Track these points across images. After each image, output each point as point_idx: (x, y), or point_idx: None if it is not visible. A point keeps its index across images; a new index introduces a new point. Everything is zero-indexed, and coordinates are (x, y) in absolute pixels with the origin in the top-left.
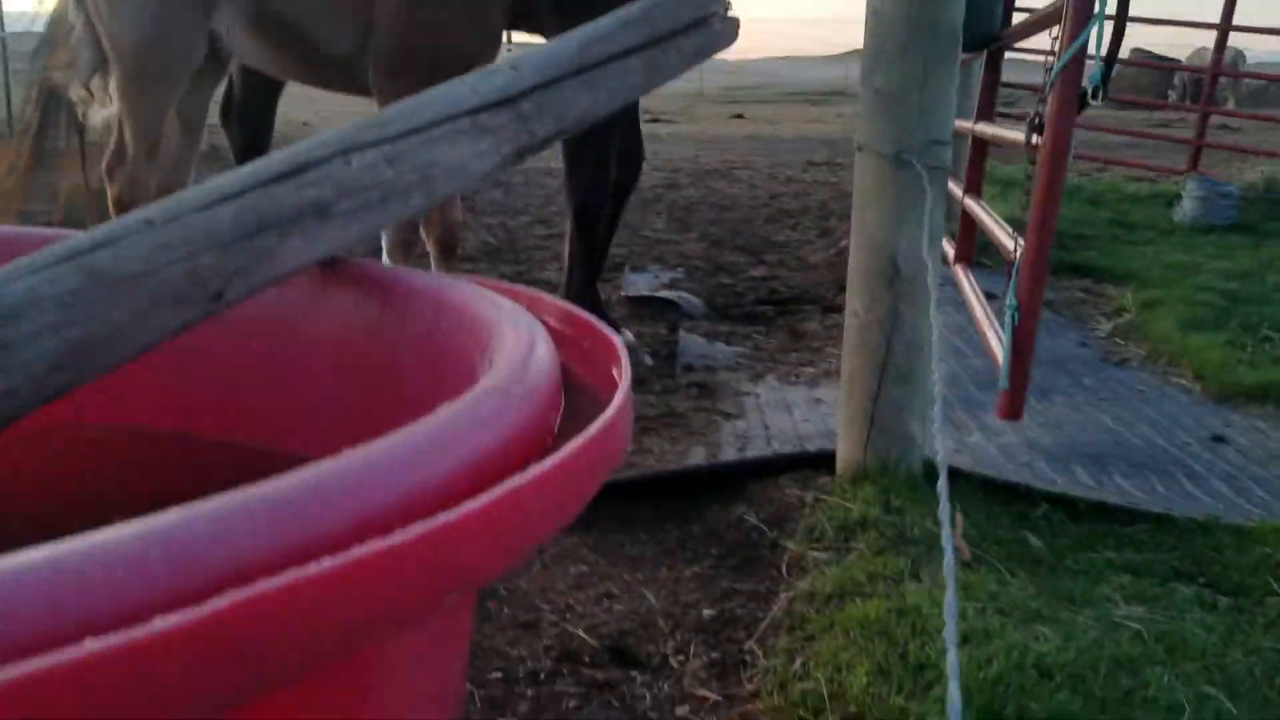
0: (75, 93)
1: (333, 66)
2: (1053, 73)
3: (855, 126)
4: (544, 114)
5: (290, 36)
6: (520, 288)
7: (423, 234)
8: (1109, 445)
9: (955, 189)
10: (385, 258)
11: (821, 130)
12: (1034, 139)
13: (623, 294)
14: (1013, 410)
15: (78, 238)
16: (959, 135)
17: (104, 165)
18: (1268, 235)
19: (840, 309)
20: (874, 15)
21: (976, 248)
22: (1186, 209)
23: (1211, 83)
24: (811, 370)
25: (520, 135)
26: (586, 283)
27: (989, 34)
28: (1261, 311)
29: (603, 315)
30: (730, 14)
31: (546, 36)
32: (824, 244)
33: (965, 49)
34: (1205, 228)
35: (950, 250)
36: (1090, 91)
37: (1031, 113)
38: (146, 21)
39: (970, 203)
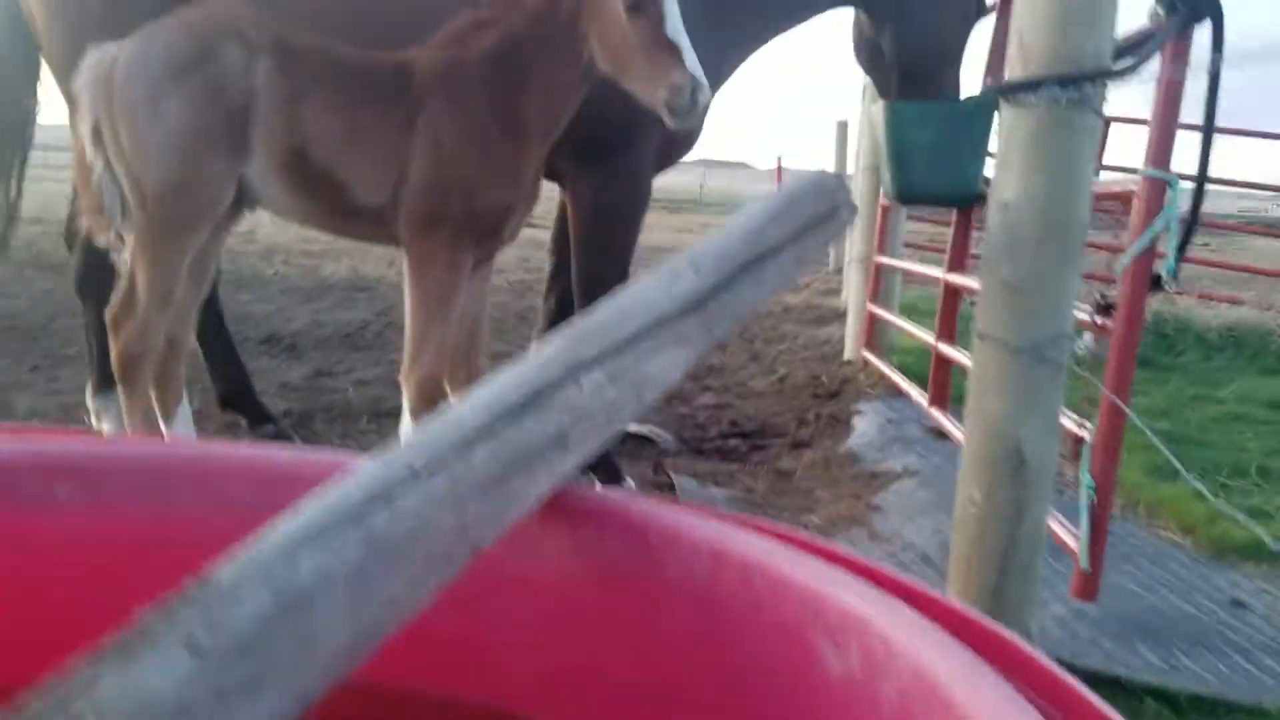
0: (106, 239)
1: (365, 218)
2: (1123, 261)
3: (978, 317)
4: (723, 315)
5: (324, 186)
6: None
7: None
8: (1147, 614)
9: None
10: (405, 419)
11: (693, 241)
12: (1099, 320)
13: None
14: (1090, 591)
15: (346, 486)
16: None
17: (109, 315)
18: (1166, 369)
19: (804, 444)
20: (1003, 208)
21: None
22: (1087, 342)
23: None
24: (815, 520)
25: (704, 340)
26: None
27: (972, 195)
28: (1205, 455)
29: (611, 459)
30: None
31: (563, 186)
32: (758, 369)
33: (947, 205)
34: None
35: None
36: (1163, 277)
37: (1097, 295)
38: (173, 165)
39: None
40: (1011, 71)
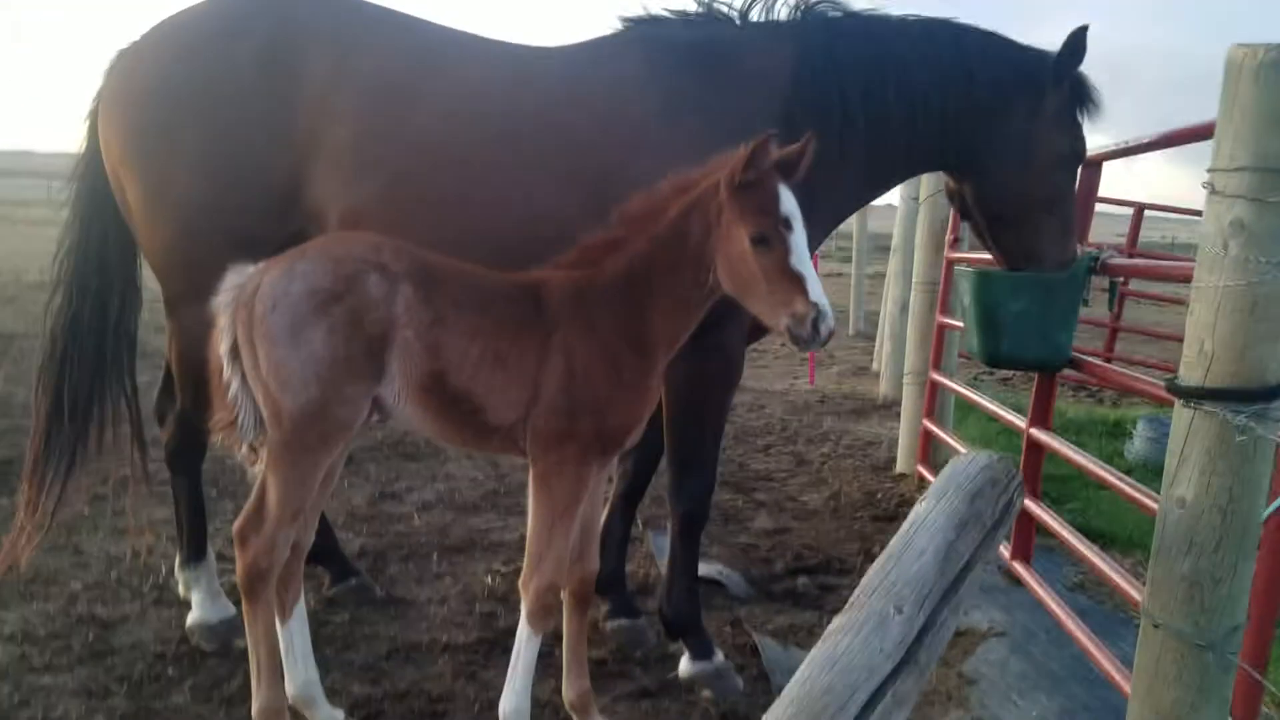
0: (243, 454)
1: (496, 435)
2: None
3: (1150, 603)
4: (931, 657)
5: (460, 409)
6: None
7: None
8: None
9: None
10: (523, 625)
11: None
12: None
13: (661, 571)
14: None
15: None
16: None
17: (236, 529)
18: None
19: None
20: (1181, 503)
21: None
22: (1138, 448)
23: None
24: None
25: (917, 689)
26: (689, 593)
27: (1061, 361)
28: None
29: (703, 630)
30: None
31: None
32: (807, 478)
33: (1036, 370)
34: (1156, 468)
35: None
36: None
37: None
38: (313, 392)
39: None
40: (1190, 372)
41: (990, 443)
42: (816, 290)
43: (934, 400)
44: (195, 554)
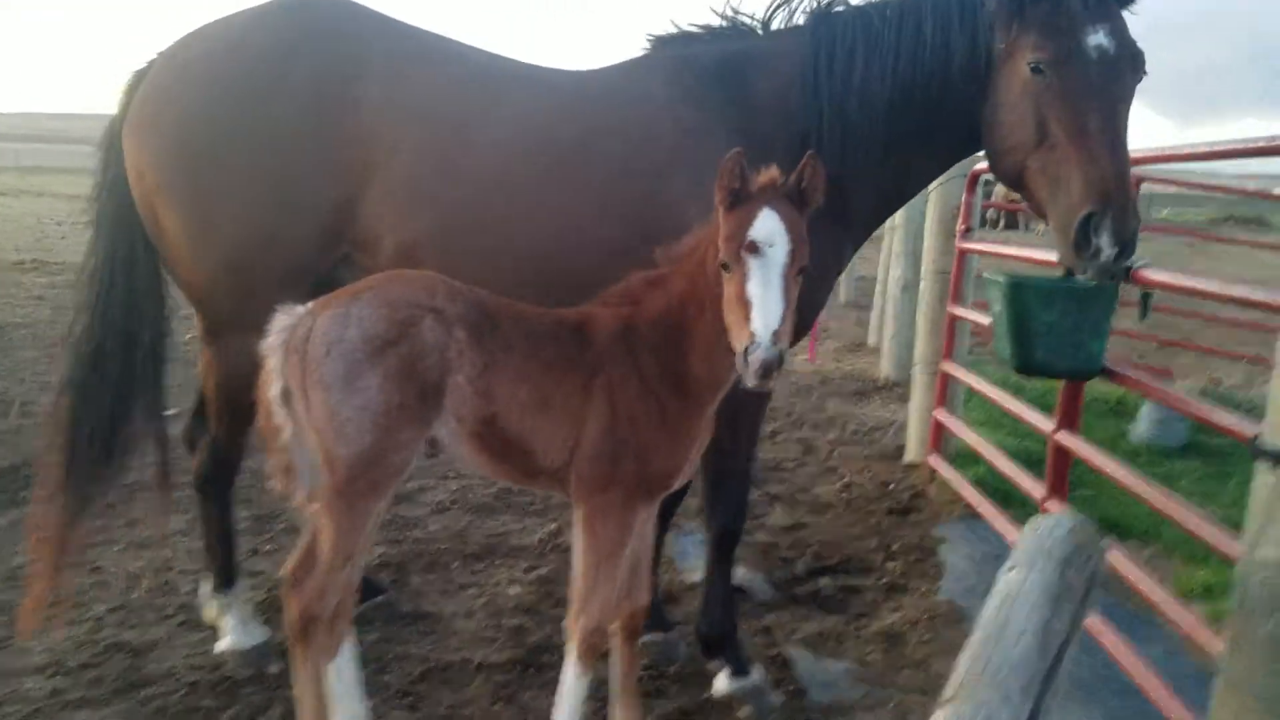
0: (300, 501)
1: (544, 476)
2: None
3: (1230, 663)
4: None
5: (510, 451)
6: None
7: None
8: None
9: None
10: (570, 664)
11: None
12: None
13: (683, 579)
14: None
15: None
16: None
17: (288, 573)
18: (1219, 457)
19: (899, 586)
20: (1265, 566)
21: None
22: (1142, 430)
23: None
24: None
25: None
26: (725, 609)
27: (1093, 371)
28: None
29: (740, 646)
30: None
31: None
32: (817, 467)
33: (1067, 379)
34: (1162, 450)
35: None
36: None
37: None
38: (367, 439)
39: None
40: (1275, 435)
41: (997, 426)
42: (760, 316)
43: (945, 390)
44: (226, 581)
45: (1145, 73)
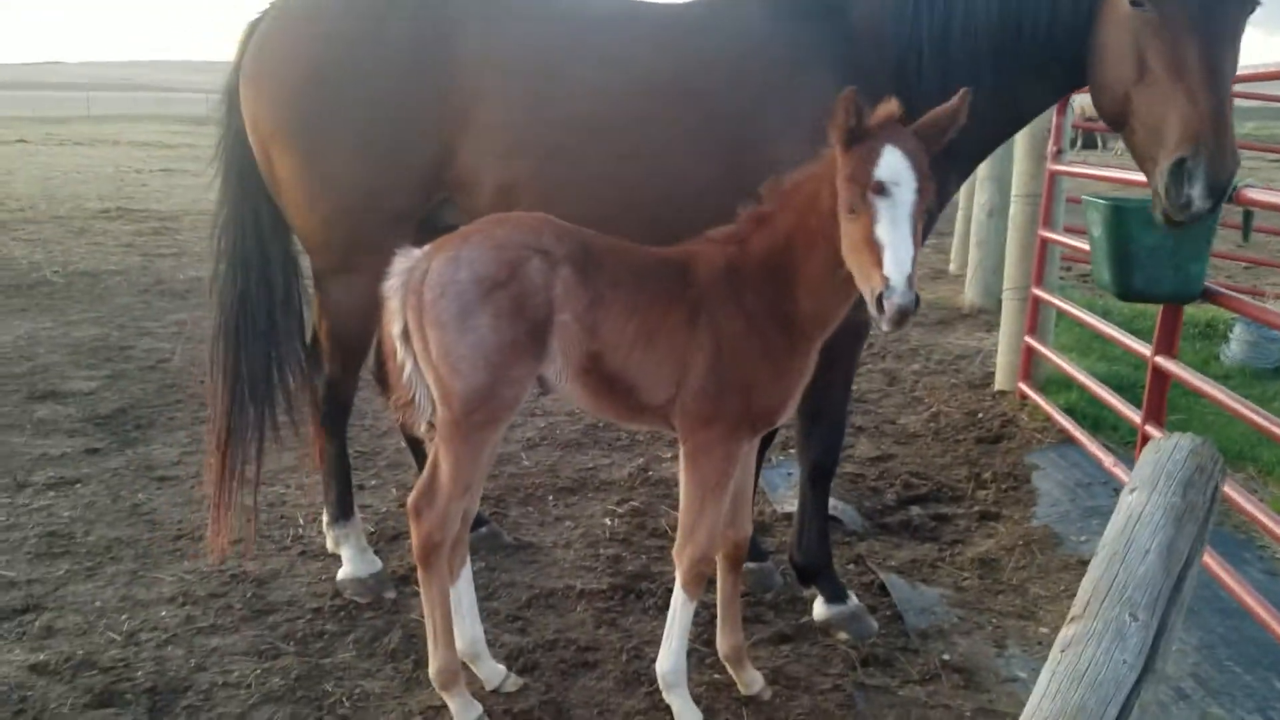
0: (422, 432)
1: (650, 413)
2: None
3: None
4: (1165, 663)
5: (617, 388)
6: None
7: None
8: None
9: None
10: (678, 592)
11: None
12: None
13: (776, 509)
14: None
15: None
16: None
17: (411, 503)
18: None
19: (991, 515)
20: None
21: None
22: (1234, 351)
23: None
24: (1045, 632)
25: (1155, 698)
26: (820, 538)
27: (1193, 294)
28: None
29: (834, 575)
30: None
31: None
32: (902, 398)
33: (1169, 303)
34: (1255, 372)
35: None
36: None
37: None
38: (481, 375)
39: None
40: None
41: (1086, 351)
42: (893, 262)
43: (1036, 316)
44: (343, 512)
45: (1259, 2)
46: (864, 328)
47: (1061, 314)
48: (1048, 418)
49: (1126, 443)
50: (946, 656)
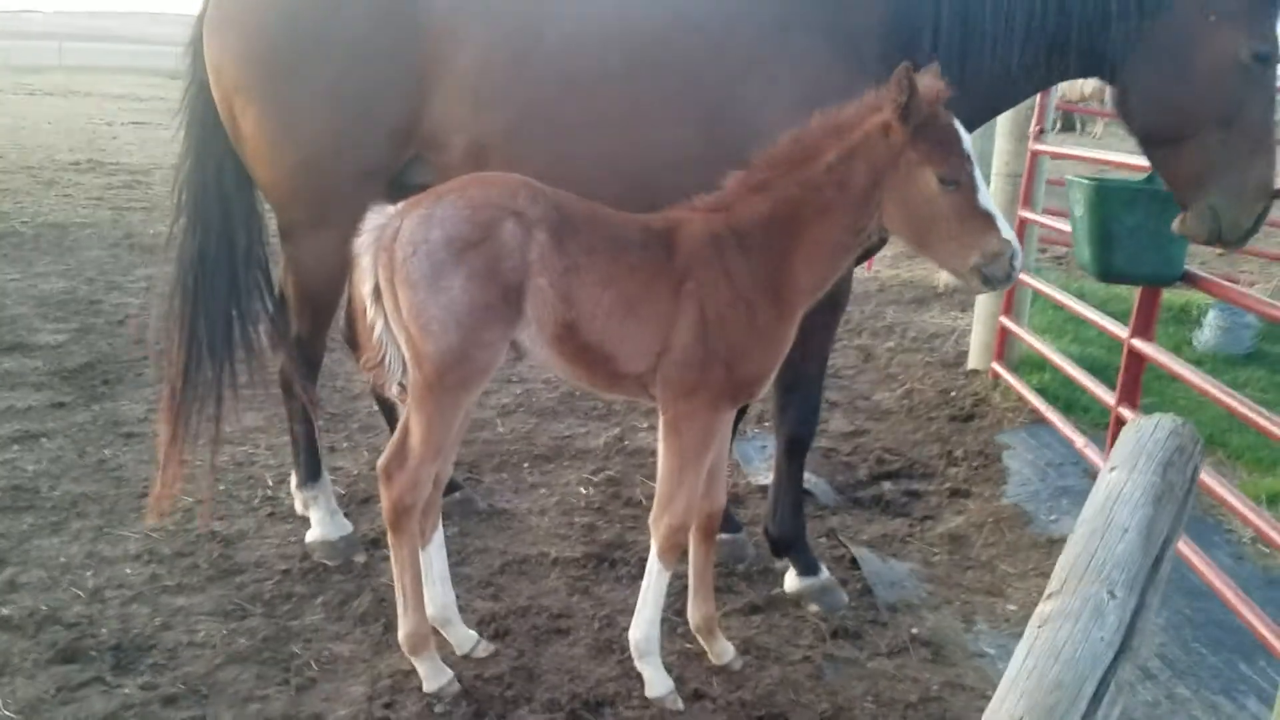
0: (392, 393)
1: (628, 383)
2: None
3: None
4: (1143, 641)
5: (593, 357)
6: None
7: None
8: None
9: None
10: (653, 560)
11: None
12: None
13: (749, 480)
14: None
15: None
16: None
17: (381, 465)
18: None
19: (962, 492)
20: None
21: None
22: (1207, 337)
23: None
24: (1013, 608)
25: (1131, 675)
26: (794, 511)
27: (1174, 276)
28: None
29: (807, 547)
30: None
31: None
32: (876, 375)
33: (1149, 285)
34: (1227, 358)
35: None
36: None
37: None
38: (453, 337)
39: None
40: None
41: (1060, 333)
42: (1007, 227)
43: (1011, 296)
44: (312, 474)
45: None
46: (842, 299)
47: (1037, 295)
48: (1020, 398)
49: (1098, 425)
50: (915, 630)
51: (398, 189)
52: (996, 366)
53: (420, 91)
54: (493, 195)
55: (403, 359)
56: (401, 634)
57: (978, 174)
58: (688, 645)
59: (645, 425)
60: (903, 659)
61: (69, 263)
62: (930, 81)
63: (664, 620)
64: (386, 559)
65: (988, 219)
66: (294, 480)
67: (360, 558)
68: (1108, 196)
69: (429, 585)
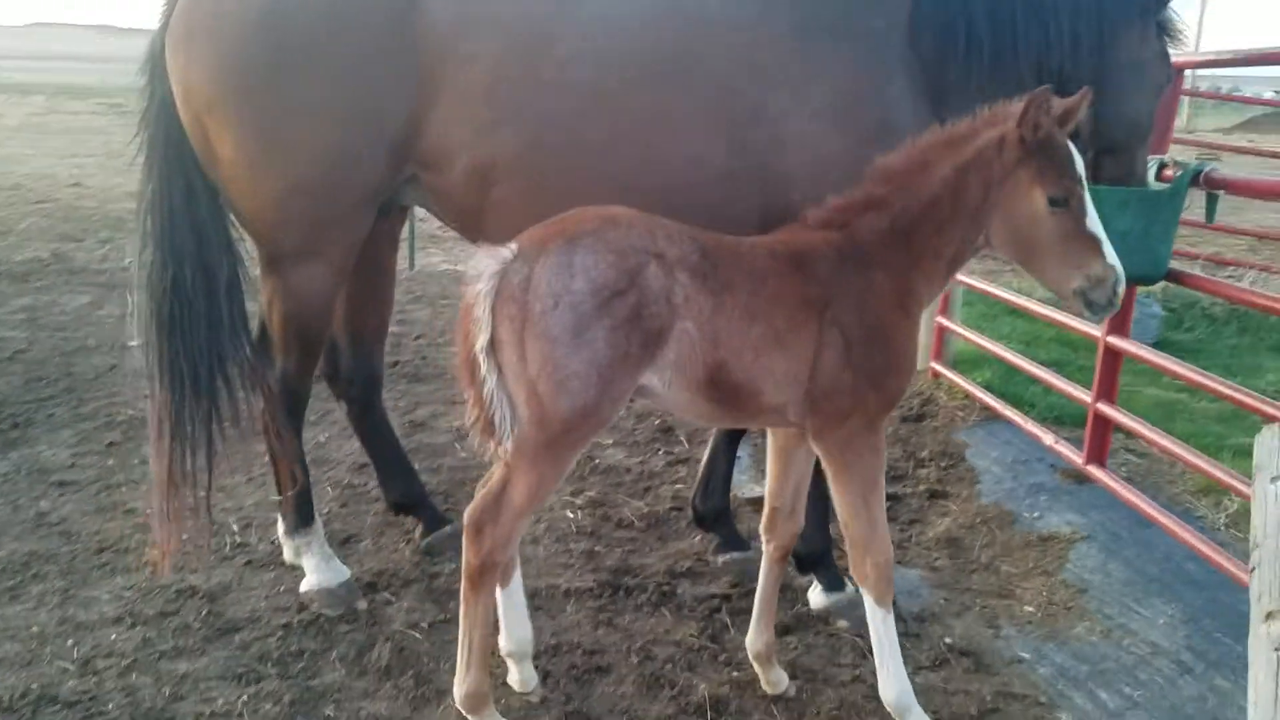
0: (499, 454)
1: (768, 412)
2: None
3: None
4: None
5: (738, 394)
6: None
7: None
8: None
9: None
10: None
11: None
12: None
13: (740, 495)
14: None
15: None
16: None
17: (471, 519)
18: (1191, 354)
19: (940, 494)
20: None
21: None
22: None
23: None
24: (1030, 610)
25: None
26: (820, 530)
27: (1160, 275)
28: None
29: (833, 563)
30: None
31: None
32: None
33: (1137, 285)
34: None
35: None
36: None
37: None
38: (591, 395)
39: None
40: None
41: (993, 324)
42: (1111, 253)
43: (948, 297)
44: (304, 519)
45: None
46: None
47: (1014, 307)
48: (967, 395)
49: (1045, 420)
50: (948, 640)
51: (382, 214)
52: (936, 365)
53: (418, 106)
54: (632, 237)
55: (511, 416)
56: (461, 693)
57: (1088, 198)
58: (734, 674)
59: (609, 442)
60: (947, 671)
61: None
62: (1063, 103)
63: (703, 649)
64: (390, 604)
65: (1093, 243)
66: (281, 527)
67: (362, 604)
68: (1101, 201)
69: (510, 620)
